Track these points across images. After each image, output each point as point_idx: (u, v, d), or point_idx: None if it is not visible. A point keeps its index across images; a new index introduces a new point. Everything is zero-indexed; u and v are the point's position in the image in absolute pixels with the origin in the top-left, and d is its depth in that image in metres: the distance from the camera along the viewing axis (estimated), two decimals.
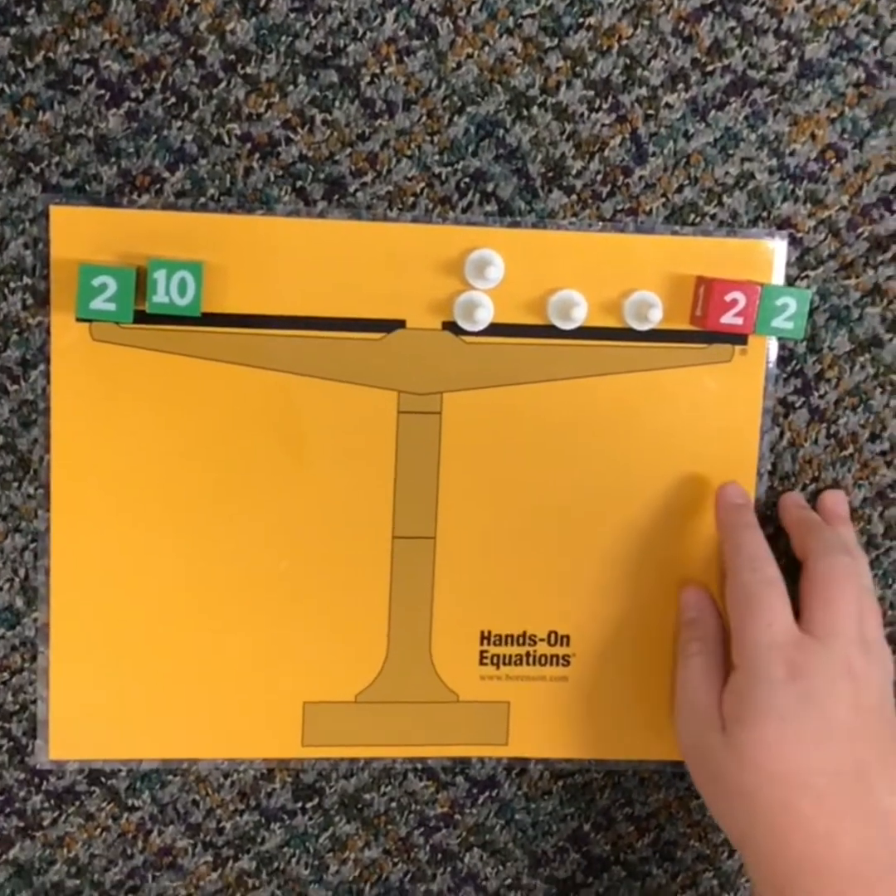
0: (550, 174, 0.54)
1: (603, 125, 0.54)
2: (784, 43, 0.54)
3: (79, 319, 0.52)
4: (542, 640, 0.58)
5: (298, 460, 0.55)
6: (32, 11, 0.51)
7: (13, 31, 0.51)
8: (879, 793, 0.50)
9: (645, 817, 0.61)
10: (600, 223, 0.55)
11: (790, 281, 0.56)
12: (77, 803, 0.57)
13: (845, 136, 0.55)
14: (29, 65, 0.51)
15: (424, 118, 0.53)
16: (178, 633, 0.56)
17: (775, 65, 0.54)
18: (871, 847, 0.49)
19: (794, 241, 0.56)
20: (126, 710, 0.56)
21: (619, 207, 0.55)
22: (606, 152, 0.54)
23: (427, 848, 0.60)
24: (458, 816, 0.60)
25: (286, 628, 0.56)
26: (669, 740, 0.59)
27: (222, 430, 0.54)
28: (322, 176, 0.53)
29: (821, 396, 0.57)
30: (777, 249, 0.56)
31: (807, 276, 0.56)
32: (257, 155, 0.53)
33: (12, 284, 0.52)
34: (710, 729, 0.52)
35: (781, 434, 0.57)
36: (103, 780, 0.57)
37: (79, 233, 0.52)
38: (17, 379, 0.53)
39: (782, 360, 0.57)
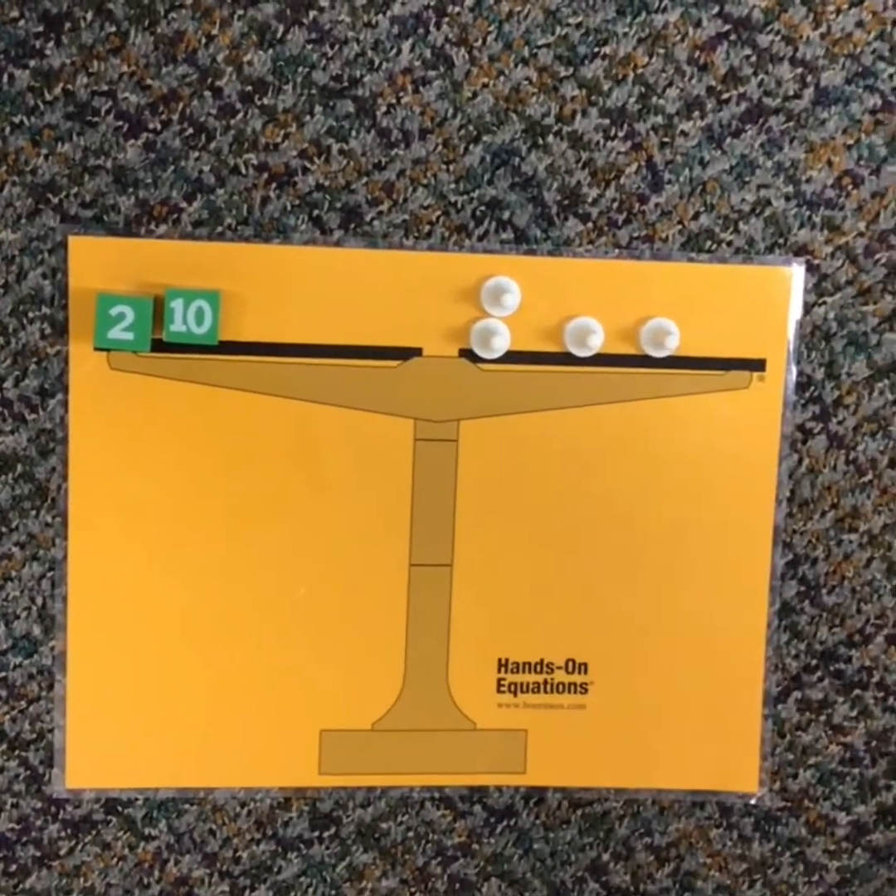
0: (566, 202, 0.54)
1: (618, 153, 0.54)
2: (800, 70, 0.54)
3: (97, 348, 0.52)
4: (559, 667, 0.58)
5: (315, 488, 0.55)
6: (51, 44, 0.51)
7: (32, 63, 0.51)
8: None
9: (665, 847, 0.60)
10: (616, 250, 0.55)
11: (808, 308, 0.56)
12: (94, 832, 0.57)
13: (862, 162, 0.55)
14: (48, 97, 0.51)
15: (440, 147, 0.53)
16: (195, 661, 0.56)
17: (791, 92, 0.54)
18: None
19: (811, 268, 0.56)
20: (143, 738, 0.56)
21: (636, 235, 0.55)
22: (622, 180, 0.54)
23: (444, 878, 0.59)
24: (475, 846, 0.59)
25: (303, 656, 0.56)
26: (689, 769, 0.58)
27: (239, 459, 0.54)
28: (338, 205, 0.54)
29: (839, 423, 0.57)
30: (794, 276, 0.56)
31: (824, 303, 0.56)
32: (274, 185, 0.53)
33: (31, 314, 0.53)
34: None
35: (800, 460, 0.57)
36: (120, 809, 0.57)
37: (97, 263, 0.52)
38: (36, 408, 0.53)
39: (800, 387, 0.57)
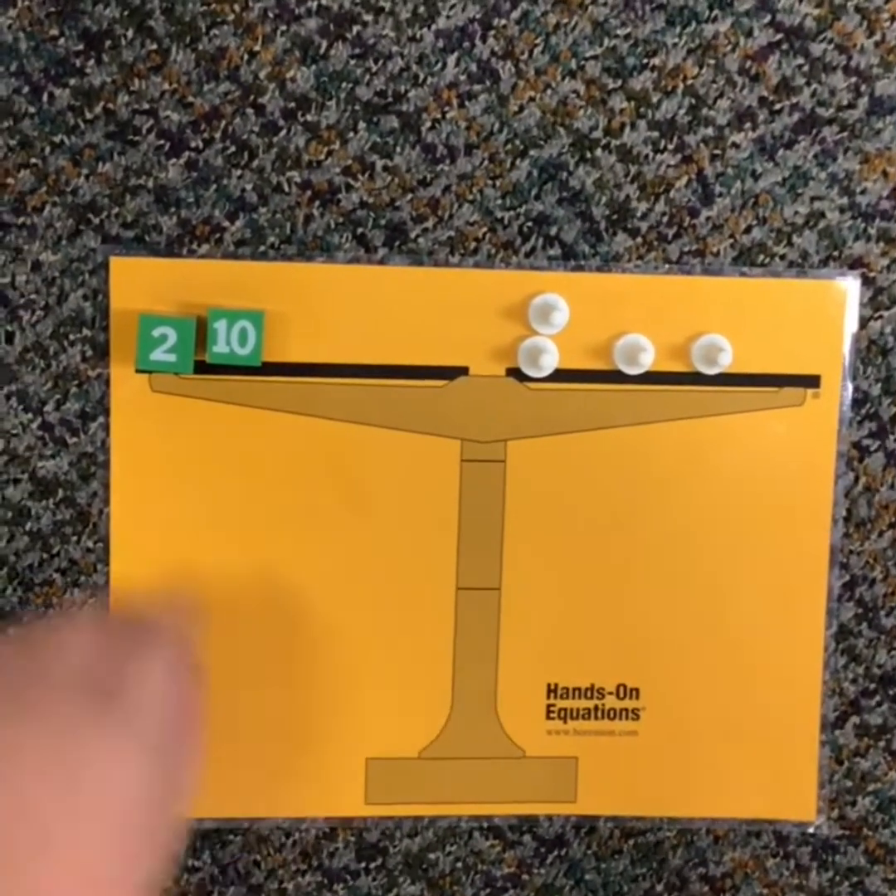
0: (615, 216, 0.53)
1: (668, 166, 0.53)
2: (853, 80, 0.53)
3: (139, 371, 0.51)
4: (610, 693, 0.56)
5: (360, 511, 0.54)
6: (92, 62, 0.50)
7: (73, 82, 0.51)
8: None
9: (720, 878, 0.59)
10: (666, 266, 0.54)
11: (863, 322, 0.55)
12: None
13: None
14: (88, 116, 0.51)
15: (486, 162, 0.53)
16: (238, 688, 0.55)
17: (845, 102, 0.53)
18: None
19: (866, 281, 0.54)
20: None
21: (686, 249, 0.54)
22: (672, 193, 0.53)
23: None
24: (525, 876, 0.58)
25: (348, 683, 0.55)
26: (744, 797, 0.57)
27: (283, 481, 0.53)
28: (383, 222, 0.53)
29: None
30: (849, 289, 0.54)
31: (880, 317, 0.55)
32: (317, 202, 0.52)
33: (72, 336, 0.52)
34: None
35: (856, 479, 0.56)
36: None
37: (139, 284, 0.52)
38: (77, 431, 0.53)
39: (856, 403, 0.55)
